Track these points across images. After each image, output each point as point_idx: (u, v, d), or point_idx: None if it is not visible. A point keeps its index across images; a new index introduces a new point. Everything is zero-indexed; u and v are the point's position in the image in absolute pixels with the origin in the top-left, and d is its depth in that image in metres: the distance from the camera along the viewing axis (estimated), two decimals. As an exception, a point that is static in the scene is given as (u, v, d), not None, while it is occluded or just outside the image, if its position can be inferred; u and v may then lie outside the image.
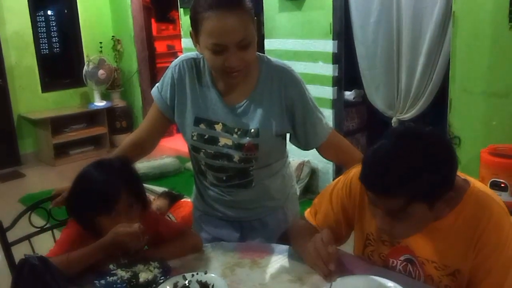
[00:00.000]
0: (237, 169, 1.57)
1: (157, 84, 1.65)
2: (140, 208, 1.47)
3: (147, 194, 4.14)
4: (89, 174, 1.44)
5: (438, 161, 1.14)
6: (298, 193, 1.84)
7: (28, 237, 1.72)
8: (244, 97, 1.52)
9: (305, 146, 1.62)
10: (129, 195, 1.42)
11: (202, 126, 1.54)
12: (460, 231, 1.24)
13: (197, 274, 1.34)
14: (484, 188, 1.31)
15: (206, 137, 1.54)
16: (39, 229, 1.75)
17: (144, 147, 1.70)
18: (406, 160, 1.12)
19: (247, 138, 1.51)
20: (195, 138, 1.55)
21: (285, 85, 1.52)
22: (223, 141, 1.53)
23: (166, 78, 1.60)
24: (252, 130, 1.51)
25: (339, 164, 1.81)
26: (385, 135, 1.20)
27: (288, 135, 1.64)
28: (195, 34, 1.42)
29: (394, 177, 1.12)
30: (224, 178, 1.60)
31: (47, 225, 1.77)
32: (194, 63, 1.57)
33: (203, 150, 1.56)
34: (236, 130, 1.52)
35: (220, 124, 1.53)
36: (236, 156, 1.53)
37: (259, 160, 1.55)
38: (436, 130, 1.19)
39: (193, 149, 1.59)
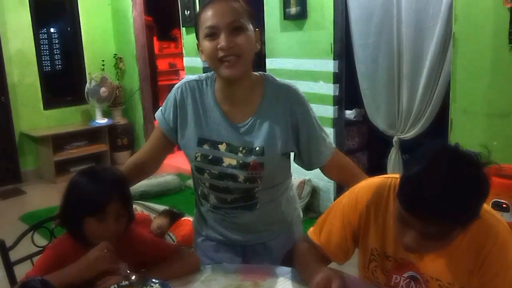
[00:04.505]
0: (242, 190, 1.56)
1: (160, 107, 1.66)
2: (126, 223, 1.48)
3: (147, 212, 4.14)
4: (82, 177, 1.46)
5: (484, 190, 1.14)
6: (301, 216, 1.83)
7: (30, 257, 1.72)
8: (248, 115, 1.53)
9: (309, 166, 1.63)
10: (119, 202, 1.43)
11: (205, 146, 1.54)
12: (466, 250, 1.25)
13: (199, 296, 1.34)
14: (490, 209, 1.31)
15: (210, 157, 1.54)
16: (41, 248, 1.74)
17: (146, 168, 1.71)
18: (460, 190, 1.10)
19: (252, 156, 1.51)
20: (198, 159, 1.55)
21: (291, 103, 1.53)
22: (227, 161, 1.52)
23: (169, 100, 1.62)
24: (257, 149, 1.51)
25: (342, 183, 1.82)
26: (426, 156, 1.17)
27: (292, 155, 1.64)
28: (198, 37, 1.49)
29: (449, 205, 1.10)
30: (229, 199, 1.59)
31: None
32: (196, 85, 1.59)
33: (207, 171, 1.55)
34: (240, 148, 1.52)
35: (224, 144, 1.53)
36: (241, 176, 1.52)
37: (264, 180, 1.55)
38: (476, 154, 1.17)
39: (197, 170, 1.58)
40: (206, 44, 1.44)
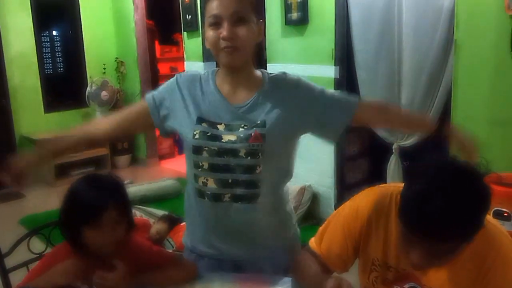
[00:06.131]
0: (244, 168, 1.51)
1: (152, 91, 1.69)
2: (125, 230, 1.47)
3: (147, 217, 4.13)
4: (79, 185, 1.45)
5: (487, 201, 1.12)
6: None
7: (26, 264, 1.71)
8: (249, 97, 1.55)
9: (340, 127, 1.57)
10: (116, 210, 1.41)
11: (204, 124, 1.54)
12: (469, 262, 1.24)
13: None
14: (493, 220, 1.30)
15: (208, 134, 1.52)
16: (37, 255, 1.73)
17: (107, 136, 1.73)
18: (464, 206, 1.08)
19: (254, 129, 1.50)
20: (197, 136, 1.52)
21: (294, 87, 1.56)
22: (226, 138, 1.51)
23: (167, 83, 1.65)
24: (259, 122, 1.51)
25: (379, 125, 1.69)
26: (425, 175, 1.14)
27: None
28: (203, 24, 1.53)
29: (455, 223, 1.08)
30: (230, 180, 1.53)
31: (46, 252, 1.75)
32: (198, 74, 1.63)
33: (206, 149, 1.52)
34: (242, 125, 1.52)
35: (223, 124, 1.53)
36: (242, 149, 1.49)
37: (266, 157, 1.51)
38: (474, 165, 1.16)
39: (195, 150, 1.54)
40: (210, 32, 1.48)
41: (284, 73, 1.61)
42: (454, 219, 1.07)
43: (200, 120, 1.54)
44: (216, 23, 1.46)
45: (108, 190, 1.43)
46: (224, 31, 1.45)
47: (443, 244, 1.12)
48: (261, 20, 1.54)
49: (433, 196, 1.08)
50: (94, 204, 1.39)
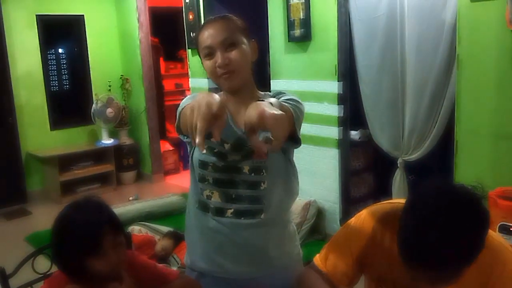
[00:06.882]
0: (248, 184, 1.54)
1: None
2: (126, 248, 1.47)
3: (152, 234, 4.11)
4: (69, 217, 1.41)
5: (486, 224, 1.13)
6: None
7: (30, 284, 1.71)
8: None
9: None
10: (112, 232, 1.40)
11: (212, 140, 1.54)
12: (474, 278, 1.23)
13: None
14: (498, 237, 1.31)
15: (215, 150, 1.56)
16: (42, 275, 1.74)
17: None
18: (463, 239, 1.09)
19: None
20: (204, 151, 1.56)
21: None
22: (231, 157, 1.55)
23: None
24: (262, 139, 1.52)
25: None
26: (425, 198, 1.15)
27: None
28: (200, 57, 1.60)
29: (455, 258, 1.10)
30: (234, 196, 1.55)
31: (50, 271, 1.75)
32: None
33: (211, 164, 1.55)
34: (247, 145, 1.53)
35: (229, 144, 1.56)
36: (246, 166, 1.53)
37: (271, 173, 1.53)
38: (470, 189, 1.16)
39: (201, 165, 1.57)
40: (206, 63, 1.56)
41: (280, 92, 1.63)
42: (451, 252, 1.08)
43: (209, 135, 1.57)
44: (210, 53, 1.53)
45: (99, 216, 1.40)
46: (218, 59, 1.51)
47: (444, 273, 1.12)
48: (253, 40, 1.59)
49: (428, 232, 1.09)
50: (91, 234, 1.36)
